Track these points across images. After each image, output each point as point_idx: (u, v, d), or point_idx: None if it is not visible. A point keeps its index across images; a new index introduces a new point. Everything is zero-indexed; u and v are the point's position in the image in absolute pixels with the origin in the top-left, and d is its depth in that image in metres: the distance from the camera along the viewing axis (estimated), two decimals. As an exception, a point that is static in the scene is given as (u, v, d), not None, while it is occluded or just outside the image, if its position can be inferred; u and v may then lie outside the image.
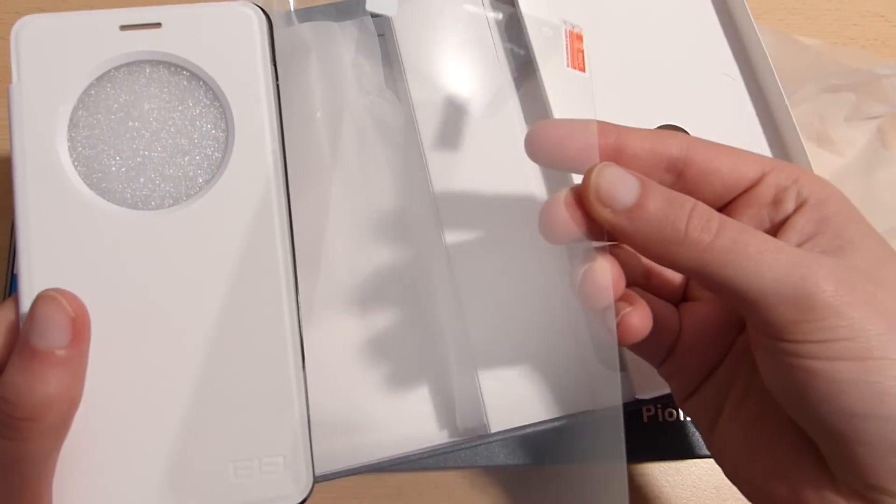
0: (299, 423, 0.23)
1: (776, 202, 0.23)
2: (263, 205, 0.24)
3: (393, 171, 0.33)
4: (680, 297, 0.26)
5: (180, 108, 0.24)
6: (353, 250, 0.32)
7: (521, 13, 0.33)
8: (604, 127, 0.23)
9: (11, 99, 0.23)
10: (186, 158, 0.24)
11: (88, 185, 0.24)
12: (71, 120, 0.24)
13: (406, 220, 0.33)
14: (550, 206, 0.22)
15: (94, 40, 0.24)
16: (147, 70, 0.25)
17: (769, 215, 0.23)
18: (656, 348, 0.25)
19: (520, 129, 0.32)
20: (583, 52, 0.29)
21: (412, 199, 0.33)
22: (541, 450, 0.33)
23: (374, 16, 0.34)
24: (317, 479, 0.28)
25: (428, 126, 0.32)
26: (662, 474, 0.36)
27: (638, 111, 0.32)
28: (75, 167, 0.24)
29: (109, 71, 0.24)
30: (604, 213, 0.21)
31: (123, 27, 0.24)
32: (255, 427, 0.23)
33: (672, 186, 0.23)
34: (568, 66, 0.28)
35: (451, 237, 0.31)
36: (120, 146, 0.24)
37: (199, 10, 0.25)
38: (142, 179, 0.24)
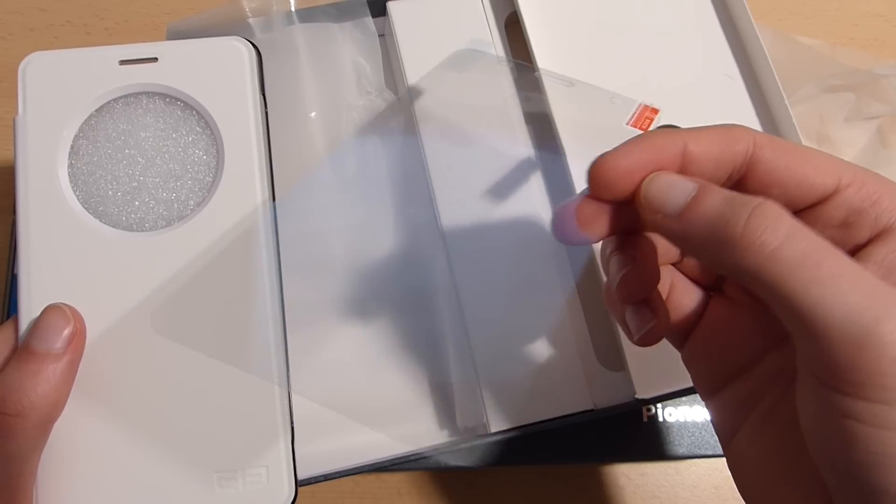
0: (282, 435, 0.24)
1: (846, 225, 0.19)
2: (251, 226, 0.25)
3: (392, 172, 0.33)
4: (716, 283, 0.24)
5: (174, 135, 0.26)
6: (353, 251, 0.32)
7: (520, 13, 0.33)
8: (669, 138, 0.20)
9: (17, 129, 0.25)
10: (178, 183, 0.26)
11: (86, 208, 0.25)
12: (72, 148, 0.25)
13: (406, 221, 0.33)
14: (569, 211, 0.20)
15: (96, 74, 0.26)
16: (144, 101, 0.26)
17: (836, 239, 0.19)
18: (672, 329, 0.24)
19: (520, 128, 0.32)
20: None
21: (412, 199, 0.33)
22: (540, 450, 0.33)
23: (374, 16, 0.34)
24: (318, 479, 0.28)
25: (428, 126, 0.32)
26: (662, 474, 0.36)
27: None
28: (74, 192, 0.25)
29: (109, 102, 0.26)
30: (655, 219, 0.19)
31: (123, 62, 0.26)
32: (240, 439, 0.24)
33: None
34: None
35: (451, 237, 0.31)
36: (117, 172, 0.25)
37: (193, 45, 0.27)
38: (136, 203, 0.25)
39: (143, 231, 0.25)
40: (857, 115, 0.38)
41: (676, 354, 0.29)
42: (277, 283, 0.25)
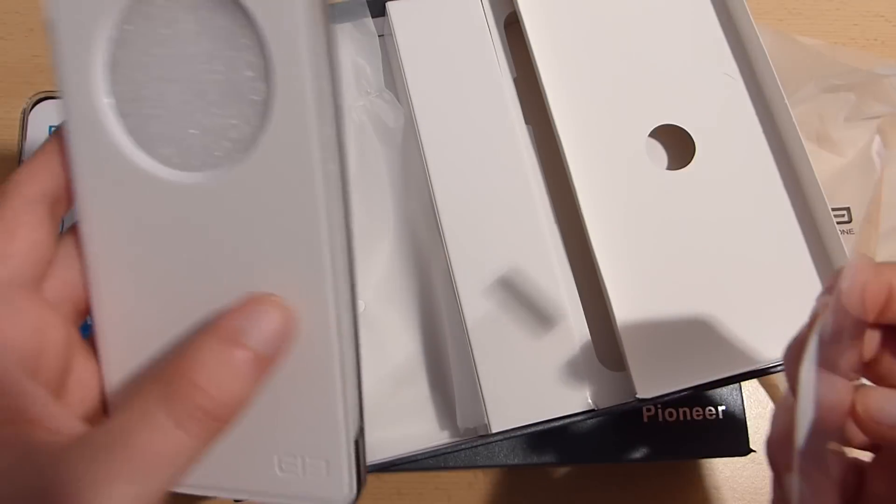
0: (344, 432, 0.22)
1: None
2: (318, 170, 0.20)
3: (392, 172, 0.33)
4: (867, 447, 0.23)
5: (227, 52, 0.20)
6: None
7: (520, 13, 0.33)
8: (878, 269, 0.21)
9: (52, 31, 0.20)
10: (235, 109, 0.20)
11: (133, 141, 0.21)
12: (109, 60, 0.20)
13: (405, 221, 0.33)
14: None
15: None
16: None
17: None
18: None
19: (519, 130, 0.32)
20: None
21: (411, 199, 0.33)
22: (541, 450, 0.33)
23: (374, 16, 0.34)
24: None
25: (428, 126, 0.32)
26: (662, 474, 0.36)
27: (638, 111, 0.32)
28: (119, 121, 0.21)
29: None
30: (881, 431, 0.20)
31: None
32: (302, 426, 0.22)
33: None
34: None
35: (451, 237, 0.31)
36: (166, 95, 0.20)
37: None
38: (192, 132, 0.21)
39: (204, 169, 0.20)
40: (857, 115, 0.38)
41: (677, 354, 0.29)
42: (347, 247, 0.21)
